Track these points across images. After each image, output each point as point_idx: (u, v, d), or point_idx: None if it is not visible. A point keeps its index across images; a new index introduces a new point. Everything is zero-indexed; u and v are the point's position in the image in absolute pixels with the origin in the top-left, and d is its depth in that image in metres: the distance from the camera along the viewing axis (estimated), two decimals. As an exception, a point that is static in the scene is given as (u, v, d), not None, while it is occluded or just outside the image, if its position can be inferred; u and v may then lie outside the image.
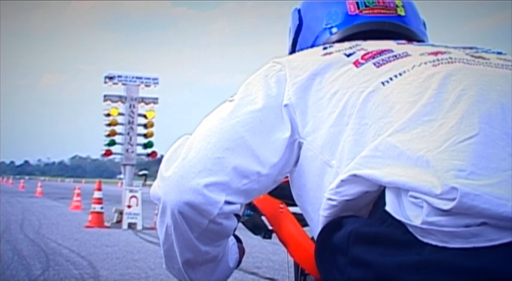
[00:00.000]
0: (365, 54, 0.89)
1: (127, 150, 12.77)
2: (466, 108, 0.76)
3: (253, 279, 5.50)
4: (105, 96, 12.68)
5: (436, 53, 0.88)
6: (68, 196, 22.30)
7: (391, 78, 0.84)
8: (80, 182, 61.64)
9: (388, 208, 0.75)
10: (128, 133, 12.80)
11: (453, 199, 0.68)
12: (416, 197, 0.72)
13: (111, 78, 12.65)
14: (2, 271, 5.93)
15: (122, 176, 14.23)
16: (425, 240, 0.71)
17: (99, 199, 11.37)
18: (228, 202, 0.86)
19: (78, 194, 17.02)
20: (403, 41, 0.97)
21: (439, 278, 0.69)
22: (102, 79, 12.79)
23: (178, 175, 0.85)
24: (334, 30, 1.11)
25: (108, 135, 12.55)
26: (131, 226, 10.85)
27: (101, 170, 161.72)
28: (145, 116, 12.95)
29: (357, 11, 1.10)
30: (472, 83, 0.79)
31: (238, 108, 0.89)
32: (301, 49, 1.12)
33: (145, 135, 13.04)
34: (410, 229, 0.72)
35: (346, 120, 0.84)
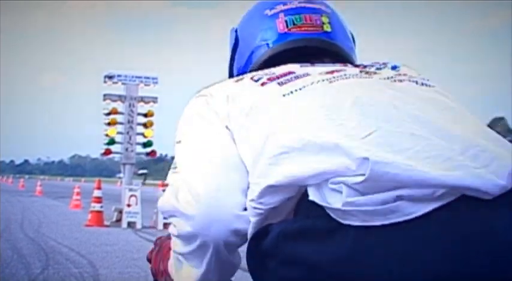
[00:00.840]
0: (270, 77, 0.99)
1: (126, 149, 12.76)
2: (361, 112, 0.85)
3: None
4: (104, 95, 12.67)
5: (332, 72, 0.99)
6: (67, 195, 22.31)
7: (291, 92, 0.94)
8: (80, 181, 61.63)
9: (311, 197, 0.80)
10: (128, 132, 12.79)
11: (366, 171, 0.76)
12: (335, 183, 0.78)
13: (110, 77, 12.64)
14: (1, 270, 5.92)
15: (121, 175, 14.22)
16: (347, 222, 0.76)
17: (99, 197, 11.37)
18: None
19: (78, 193, 17.04)
20: (307, 64, 1.05)
21: (366, 262, 0.74)
22: (101, 78, 12.79)
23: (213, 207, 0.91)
24: (266, 47, 1.19)
25: (108, 135, 12.55)
26: (131, 224, 10.85)
27: (101, 169, 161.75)
28: (145, 115, 12.96)
29: (286, 29, 1.17)
30: (365, 92, 0.90)
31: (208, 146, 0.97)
32: (239, 65, 1.24)
33: (144, 135, 13.04)
34: (333, 215, 0.78)
35: (257, 133, 0.91)
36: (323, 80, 0.95)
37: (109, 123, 12.54)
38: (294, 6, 1.18)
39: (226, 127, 0.96)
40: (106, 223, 11.22)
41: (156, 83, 13.12)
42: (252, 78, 1.02)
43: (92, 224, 11.04)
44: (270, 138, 0.87)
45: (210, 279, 0.97)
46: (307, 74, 0.98)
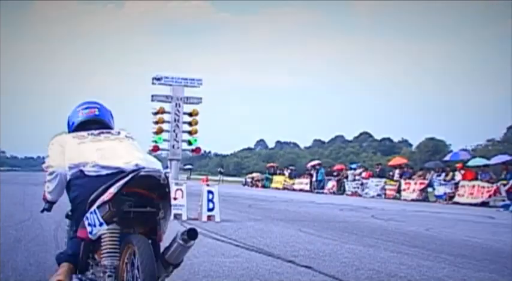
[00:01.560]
0: (77, 136, 3.44)
1: (173, 146, 12.95)
2: (100, 149, 3.33)
3: (290, 267, 5.47)
4: (152, 96, 12.88)
5: (99, 134, 3.45)
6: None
7: (82, 142, 3.38)
8: (130, 175, 62.08)
9: (81, 168, 3.28)
10: (174, 130, 12.96)
11: (96, 166, 3.25)
12: (90, 165, 3.26)
13: (158, 79, 12.85)
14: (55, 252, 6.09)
15: (168, 170, 14.41)
16: (90, 174, 3.24)
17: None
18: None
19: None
20: (91, 132, 3.48)
21: (89, 185, 3.19)
22: (149, 80, 12.99)
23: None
24: (76, 122, 3.60)
25: (156, 133, 12.73)
26: (176, 216, 10.95)
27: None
28: (190, 115, 13.08)
29: (81, 115, 3.61)
30: (102, 143, 3.39)
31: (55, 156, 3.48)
32: (69, 127, 3.66)
33: (190, 133, 13.18)
34: (86, 172, 3.25)
35: (69, 152, 3.41)
36: (91, 141, 3.38)
37: (156, 122, 12.72)
38: (85, 107, 3.63)
39: (64, 146, 3.38)
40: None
41: (201, 84, 13.25)
42: (71, 135, 3.47)
43: (142, 216, 11.17)
44: (71, 154, 3.32)
45: (56, 191, 3.40)
46: (87, 137, 3.41)
